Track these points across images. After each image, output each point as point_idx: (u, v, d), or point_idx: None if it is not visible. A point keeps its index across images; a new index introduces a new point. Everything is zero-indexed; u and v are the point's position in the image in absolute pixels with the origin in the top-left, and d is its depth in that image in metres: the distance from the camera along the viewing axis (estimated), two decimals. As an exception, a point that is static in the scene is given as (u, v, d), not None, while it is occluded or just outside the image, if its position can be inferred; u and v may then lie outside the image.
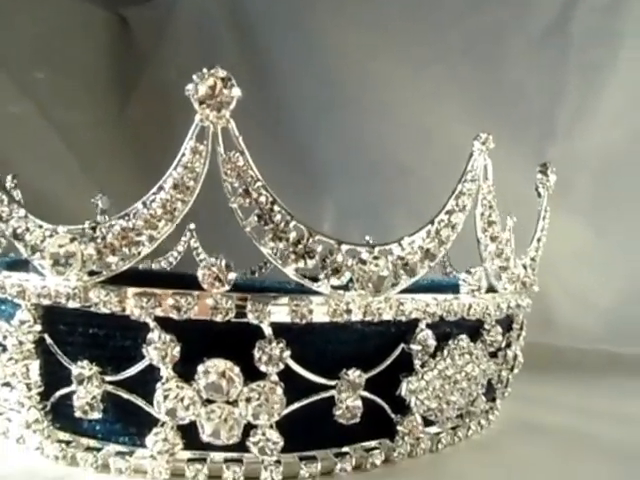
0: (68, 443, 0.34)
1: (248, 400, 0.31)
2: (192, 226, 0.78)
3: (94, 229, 0.31)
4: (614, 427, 0.46)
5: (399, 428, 0.35)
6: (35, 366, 0.33)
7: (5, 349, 0.35)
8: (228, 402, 0.31)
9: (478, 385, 0.40)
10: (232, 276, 0.29)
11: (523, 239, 0.48)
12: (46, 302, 0.32)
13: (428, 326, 0.34)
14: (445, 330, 0.36)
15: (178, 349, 0.30)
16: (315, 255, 0.30)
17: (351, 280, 0.31)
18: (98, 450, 0.33)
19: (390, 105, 0.99)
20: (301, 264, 0.30)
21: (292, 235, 0.30)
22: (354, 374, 0.32)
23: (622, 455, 0.39)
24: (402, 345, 0.34)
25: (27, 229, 0.33)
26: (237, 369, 0.30)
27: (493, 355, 0.41)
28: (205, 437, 0.31)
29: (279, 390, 0.31)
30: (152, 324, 0.30)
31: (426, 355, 0.35)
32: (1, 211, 0.33)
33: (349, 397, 0.33)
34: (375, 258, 0.31)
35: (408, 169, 0.97)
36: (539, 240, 0.46)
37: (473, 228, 0.37)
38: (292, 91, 1.06)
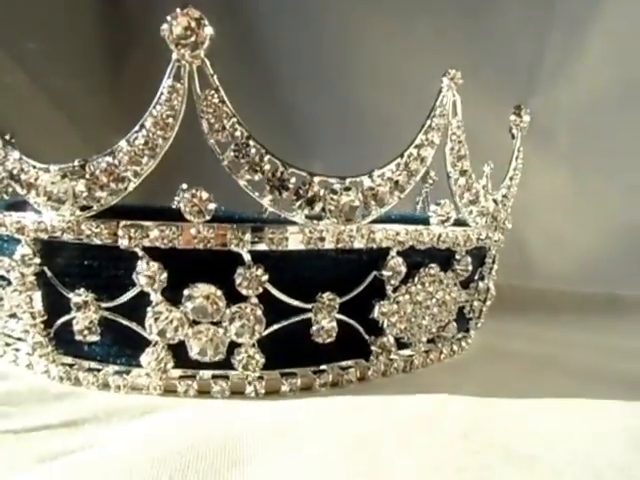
0: (71, 366, 0.37)
1: (231, 321, 0.34)
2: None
3: (83, 167, 0.33)
4: (575, 353, 0.49)
5: (373, 348, 0.38)
6: (37, 296, 0.36)
7: (9, 283, 0.38)
8: (213, 323, 0.34)
9: (449, 312, 0.43)
10: (211, 206, 0.32)
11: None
12: (43, 236, 0.34)
13: (399, 254, 0.37)
14: (416, 259, 0.39)
15: (165, 275, 0.33)
16: (289, 186, 0.33)
17: (323, 210, 0.34)
18: (98, 371, 0.36)
19: (378, 61, 0.99)
20: (276, 195, 0.33)
21: (267, 168, 0.32)
22: (328, 297, 0.35)
23: (579, 375, 0.42)
24: (374, 272, 0.37)
25: (22, 169, 0.35)
26: (220, 292, 0.33)
27: (465, 286, 0.44)
28: (193, 355, 0.34)
29: (259, 311, 0.34)
30: (140, 253, 0.33)
31: (397, 281, 0.37)
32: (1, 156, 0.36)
33: (324, 318, 0.36)
34: (346, 189, 0.34)
35: (396, 126, 0.98)
36: (511, 178, 0.48)
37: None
38: (278, 50, 1.06)
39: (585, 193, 0.82)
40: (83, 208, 0.33)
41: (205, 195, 0.32)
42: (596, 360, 0.46)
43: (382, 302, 0.37)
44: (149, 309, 0.34)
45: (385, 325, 0.38)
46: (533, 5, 0.91)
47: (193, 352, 0.34)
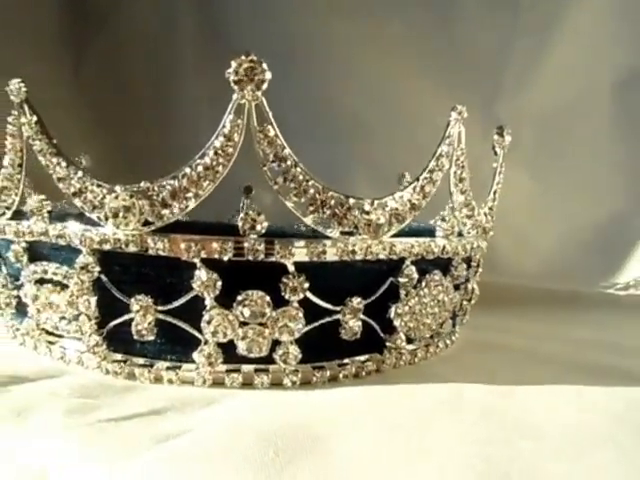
0: (125, 362, 0.41)
1: (275, 322, 0.39)
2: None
3: (148, 188, 0.37)
4: (547, 345, 0.57)
5: (387, 344, 0.45)
6: (94, 301, 0.40)
7: (64, 288, 0.42)
8: (260, 324, 0.39)
9: (447, 311, 0.49)
10: (265, 224, 0.37)
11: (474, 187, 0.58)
12: (107, 248, 0.39)
13: (412, 263, 0.43)
14: (424, 267, 0.45)
15: (220, 283, 0.38)
16: (328, 207, 0.38)
17: (355, 227, 0.39)
18: (151, 366, 0.41)
19: (348, 62, 1.04)
20: (317, 215, 0.38)
21: (311, 191, 0.38)
22: (356, 301, 0.41)
23: (557, 364, 0.50)
24: (391, 278, 0.43)
25: (86, 188, 0.39)
26: (268, 298, 0.38)
27: (457, 288, 0.51)
28: (241, 352, 0.39)
29: (300, 314, 0.39)
30: (199, 264, 0.38)
31: (410, 286, 0.44)
32: (62, 173, 0.39)
33: (352, 319, 0.41)
34: (375, 209, 0.40)
35: (367, 127, 1.03)
36: (495, 192, 0.55)
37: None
38: (251, 49, 1.10)
39: (548, 195, 0.91)
40: (145, 223, 0.38)
41: (259, 213, 0.37)
42: (568, 351, 0.54)
43: (397, 304, 0.44)
44: (204, 312, 0.38)
45: (398, 324, 0.44)
46: (498, 13, 0.98)
47: (241, 349, 0.39)
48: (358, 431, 0.32)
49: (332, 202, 0.38)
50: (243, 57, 0.35)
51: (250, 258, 0.38)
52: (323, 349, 0.42)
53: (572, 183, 0.92)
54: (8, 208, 0.45)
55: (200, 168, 0.37)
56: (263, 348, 0.39)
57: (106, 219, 0.39)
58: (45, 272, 0.43)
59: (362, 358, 0.44)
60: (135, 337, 0.40)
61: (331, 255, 0.39)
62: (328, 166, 1.04)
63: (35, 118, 0.41)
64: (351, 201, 0.39)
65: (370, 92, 1.02)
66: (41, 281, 0.43)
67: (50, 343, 0.45)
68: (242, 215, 0.37)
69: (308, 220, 0.39)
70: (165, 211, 0.37)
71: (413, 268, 0.43)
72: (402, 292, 0.44)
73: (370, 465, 0.27)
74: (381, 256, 0.41)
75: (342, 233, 0.39)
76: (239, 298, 0.38)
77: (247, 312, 0.38)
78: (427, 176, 0.43)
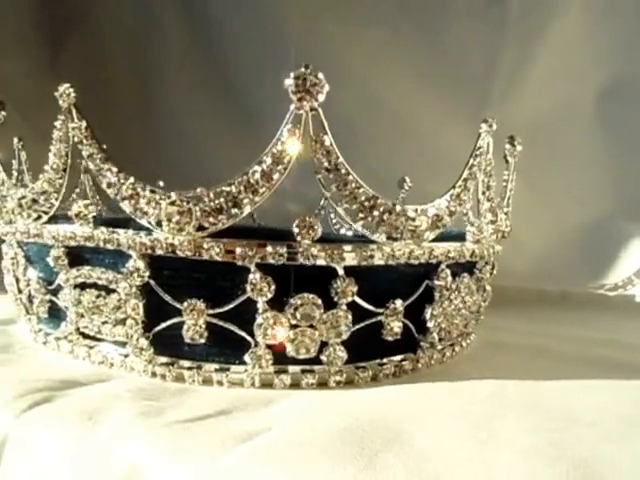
0: (172, 364, 0.42)
1: (324, 324, 0.40)
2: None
3: (204, 194, 0.38)
4: (559, 343, 0.60)
5: (422, 344, 0.46)
6: (142, 305, 0.41)
7: (110, 292, 0.42)
8: (309, 326, 0.40)
9: (471, 312, 0.52)
10: (319, 231, 0.38)
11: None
12: (160, 252, 0.39)
13: (447, 266, 0.45)
14: (454, 270, 0.47)
15: (274, 287, 0.39)
16: (376, 213, 0.40)
17: (400, 232, 0.41)
18: (200, 368, 0.41)
19: (334, 65, 1.06)
20: (366, 221, 0.40)
21: (362, 199, 0.39)
22: (398, 303, 0.43)
23: (572, 360, 0.52)
24: (427, 281, 0.45)
25: (138, 194, 0.39)
26: (319, 300, 0.40)
27: (477, 289, 0.53)
28: (290, 353, 0.40)
29: (349, 316, 0.40)
30: (253, 268, 0.39)
31: (444, 289, 0.46)
32: (112, 178, 0.40)
33: (393, 321, 0.43)
34: (419, 215, 0.41)
35: (359, 131, 1.05)
36: (509, 198, 0.58)
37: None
38: (242, 55, 1.10)
39: (536, 198, 0.94)
40: (199, 228, 0.39)
41: (315, 220, 0.38)
42: (577, 348, 0.57)
43: (432, 306, 0.46)
44: (257, 315, 0.39)
45: (432, 325, 0.46)
46: (487, 23, 1.02)
47: (290, 351, 0.40)
48: (432, 423, 0.33)
49: (381, 209, 0.40)
50: (302, 69, 0.36)
51: (303, 262, 0.39)
52: (365, 350, 0.44)
53: (559, 187, 0.96)
54: (46, 212, 0.45)
55: (257, 175, 0.38)
56: (312, 350, 0.41)
57: (158, 224, 0.39)
58: (88, 276, 0.43)
59: (398, 358, 0.46)
60: (186, 340, 0.40)
61: (378, 259, 0.41)
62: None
63: (84, 123, 0.41)
64: (397, 208, 0.41)
65: (363, 97, 1.04)
66: (83, 285, 0.43)
67: (89, 347, 0.45)
68: (298, 220, 0.38)
69: (357, 226, 0.40)
70: (221, 217, 0.38)
71: (448, 271, 0.45)
72: (437, 294, 0.46)
73: (453, 453, 0.29)
74: (422, 260, 0.43)
75: (387, 238, 0.41)
76: (291, 301, 0.39)
77: (299, 315, 0.40)
78: (461, 184, 0.45)
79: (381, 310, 0.43)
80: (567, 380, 0.45)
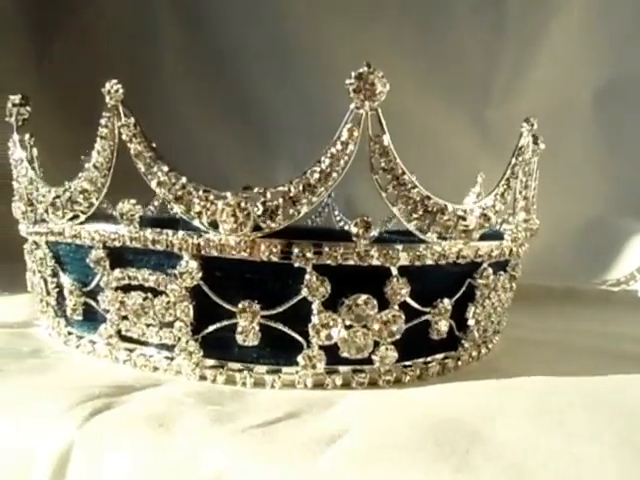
0: (222, 367, 0.41)
1: (378, 324, 0.40)
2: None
3: (261, 194, 0.38)
4: (577, 338, 0.61)
5: (463, 342, 0.47)
6: (192, 307, 0.40)
7: (158, 294, 0.41)
8: (363, 326, 0.40)
9: (505, 309, 0.52)
10: (375, 233, 0.38)
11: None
12: (213, 254, 0.38)
13: (489, 265, 0.46)
14: (494, 268, 0.48)
15: (330, 287, 0.39)
16: (430, 214, 0.40)
17: (451, 232, 0.41)
18: (251, 370, 0.41)
19: (332, 62, 1.06)
20: (419, 221, 0.40)
21: (417, 199, 0.39)
22: (445, 302, 0.43)
23: (597, 355, 0.54)
24: (469, 280, 0.46)
25: (190, 193, 0.39)
26: (375, 301, 0.40)
27: (510, 287, 0.54)
28: (343, 354, 0.40)
29: (402, 316, 0.41)
30: (309, 269, 0.38)
31: (486, 287, 0.46)
32: (163, 178, 0.39)
33: (440, 320, 0.43)
34: (468, 215, 0.42)
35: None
36: (534, 197, 0.59)
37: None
38: (241, 51, 1.09)
39: (538, 197, 0.96)
40: (255, 228, 0.38)
41: (371, 220, 0.38)
42: (597, 342, 0.58)
43: (474, 304, 0.46)
44: (312, 316, 0.39)
45: (473, 323, 0.47)
46: (485, 25, 1.03)
47: (345, 351, 0.40)
48: (507, 419, 0.34)
49: (434, 209, 0.40)
50: (364, 68, 0.36)
51: (361, 263, 0.39)
52: (412, 349, 0.44)
53: (559, 185, 0.98)
54: (84, 212, 0.44)
55: (316, 175, 0.37)
56: (365, 350, 0.41)
57: (211, 225, 0.39)
58: (132, 278, 0.42)
59: (441, 356, 0.46)
60: (238, 342, 0.40)
61: (429, 259, 0.41)
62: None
63: (133, 120, 0.40)
64: (449, 208, 0.41)
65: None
66: (126, 287, 0.42)
67: (130, 350, 0.44)
68: (357, 220, 0.38)
69: (410, 226, 0.40)
70: (278, 217, 0.38)
71: (490, 270, 0.46)
72: (478, 293, 0.46)
73: (540, 448, 0.30)
74: (469, 259, 0.43)
75: (438, 238, 0.41)
76: (347, 302, 0.39)
77: (353, 315, 0.39)
78: (505, 184, 0.45)
79: (428, 309, 0.43)
80: (607, 375, 0.45)
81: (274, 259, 0.38)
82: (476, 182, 0.76)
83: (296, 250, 0.38)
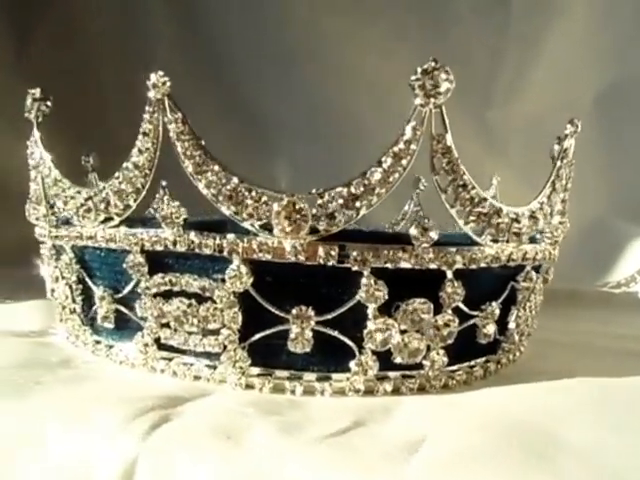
0: (269, 375, 0.40)
1: (432, 329, 0.39)
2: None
3: (319, 195, 0.36)
4: (595, 339, 0.62)
5: (504, 345, 0.46)
6: (240, 313, 0.38)
7: (203, 300, 0.39)
8: (417, 331, 0.39)
9: (537, 312, 0.52)
10: (435, 235, 0.37)
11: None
12: (267, 257, 0.37)
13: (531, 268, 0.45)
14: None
15: (386, 292, 0.38)
16: (486, 216, 0.39)
17: (504, 234, 0.41)
18: (299, 378, 0.39)
19: (336, 59, 1.05)
20: (476, 224, 0.39)
21: (474, 201, 0.39)
22: (494, 305, 0.43)
23: (620, 355, 0.54)
24: (512, 283, 0.45)
25: (243, 194, 0.37)
26: (430, 305, 0.39)
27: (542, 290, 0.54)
28: (398, 359, 0.39)
29: (456, 320, 0.40)
30: (366, 273, 0.37)
31: (528, 290, 0.46)
32: (213, 177, 0.37)
33: (488, 323, 0.43)
34: (522, 217, 0.41)
35: (360, 126, 1.04)
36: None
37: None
38: (242, 50, 1.07)
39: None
40: (311, 231, 0.37)
41: (432, 224, 0.37)
42: (614, 343, 0.59)
43: (517, 307, 0.46)
44: (367, 322, 0.38)
45: (514, 326, 0.46)
46: (488, 26, 1.03)
47: (396, 357, 0.39)
48: (577, 420, 0.33)
49: (491, 211, 0.39)
50: (431, 64, 0.35)
51: (418, 267, 0.38)
52: (459, 353, 0.43)
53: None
54: (119, 215, 0.41)
55: (377, 175, 0.36)
56: (419, 355, 0.40)
57: (264, 227, 0.37)
58: (174, 284, 0.40)
59: (482, 360, 0.46)
60: (290, 349, 0.38)
61: (482, 262, 0.40)
62: (320, 161, 1.04)
63: (181, 115, 0.38)
64: (504, 210, 0.40)
65: (367, 94, 1.03)
66: (167, 294, 0.40)
67: (168, 359, 0.42)
68: (417, 223, 0.37)
69: (467, 228, 0.39)
70: (337, 219, 0.36)
71: (534, 273, 0.45)
72: (520, 296, 0.46)
73: (624, 449, 0.29)
74: (517, 262, 0.43)
75: (491, 240, 0.40)
76: (403, 306, 0.38)
77: (409, 320, 0.38)
78: (550, 186, 0.45)
79: (476, 313, 0.42)
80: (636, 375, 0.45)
81: (332, 263, 0.37)
82: (490, 184, 0.76)
83: (354, 253, 0.37)
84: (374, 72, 1.04)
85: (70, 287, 0.46)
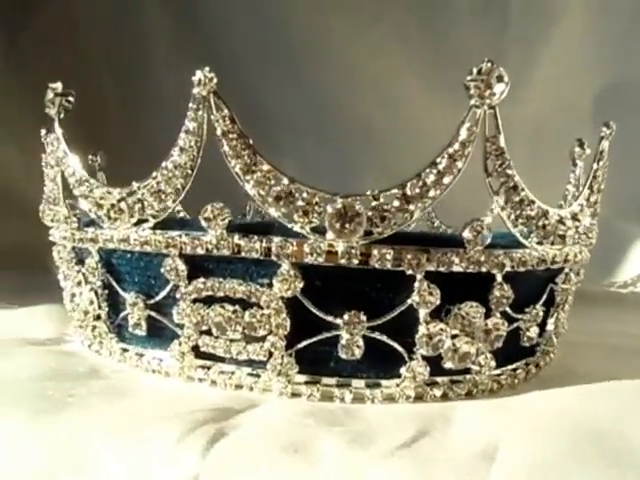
0: (316, 382, 0.38)
1: (481, 333, 0.38)
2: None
3: (375, 197, 0.35)
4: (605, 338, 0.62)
5: (543, 347, 0.46)
6: (289, 319, 0.37)
7: (248, 306, 0.37)
8: (467, 335, 0.38)
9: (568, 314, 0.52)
10: (488, 238, 0.37)
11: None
12: (319, 261, 0.35)
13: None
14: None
15: (440, 296, 0.37)
16: (535, 219, 0.39)
17: (545, 237, 0.40)
18: (348, 385, 0.38)
19: (338, 61, 1.04)
20: (524, 226, 0.39)
21: (524, 203, 0.38)
22: (538, 308, 0.42)
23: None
24: (551, 285, 0.45)
25: (293, 194, 0.35)
26: (482, 309, 0.38)
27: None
28: (449, 364, 0.38)
29: (506, 324, 0.39)
30: (419, 277, 0.36)
31: (565, 292, 0.45)
32: (261, 177, 0.36)
33: (532, 326, 0.42)
34: (567, 219, 0.41)
35: (369, 128, 1.03)
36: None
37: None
38: (247, 51, 1.05)
39: (539, 198, 0.97)
40: (365, 234, 0.36)
41: (485, 225, 0.36)
42: (627, 342, 0.59)
43: (556, 309, 0.45)
44: (419, 326, 0.37)
45: (552, 328, 0.46)
46: (488, 27, 1.03)
47: (447, 362, 0.38)
48: (630, 419, 0.33)
49: (539, 213, 0.39)
50: (486, 64, 0.35)
51: (469, 269, 0.37)
52: (504, 357, 0.42)
53: (559, 189, 0.99)
54: (155, 216, 0.39)
55: (431, 177, 0.35)
56: (469, 360, 0.39)
57: (314, 230, 0.36)
58: (217, 289, 0.38)
59: (522, 362, 0.45)
60: (341, 356, 0.37)
61: (529, 264, 0.40)
62: (325, 159, 1.03)
63: (228, 113, 0.36)
64: (550, 212, 0.40)
65: (368, 93, 1.02)
66: (208, 299, 0.39)
67: (207, 368, 0.40)
68: (471, 226, 0.36)
69: (515, 230, 0.39)
70: (392, 221, 0.35)
71: (572, 275, 0.45)
72: (558, 298, 0.45)
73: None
74: (560, 264, 0.42)
75: (537, 243, 0.40)
76: (455, 310, 0.37)
77: (460, 324, 0.38)
78: (589, 188, 0.45)
79: (520, 316, 0.42)
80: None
81: (387, 267, 0.35)
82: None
83: (409, 257, 0.36)
84: (378, 72, 1.03)
85: (96, 292, 0.44)
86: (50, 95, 0.45)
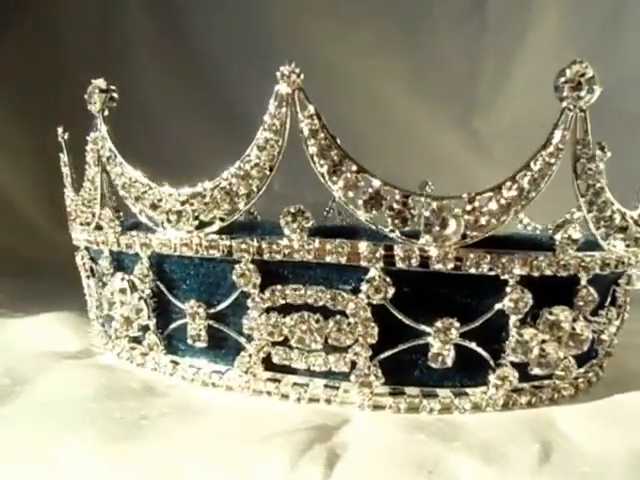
0: (403, 393, 0.36)
1: (568, 337, 0.37)
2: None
3: (471, 200, 0.34)
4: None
5: (607, 349, 0.45)
6: (377, 327, 0.35)
7: (330, 315, 0.35)
8: (556, 340, 0.37)
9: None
10: (578, 236, 0.36)
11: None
12: (413, 266, 0.34)
13: (627, 272, 0.45)
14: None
15: (531, 302, 0.35)
16: (617, 221, 0.38)
17: (631, 240, 0.39)
18: (435, 396, 0.36)
19: (318, 62, 1.02)
20: (606, 229, 0.38)
21: (606, 205, 0.37)
22: (611, 311, 0.42)
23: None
24: (614, 287, 0.44)
25: (383, 197, 0.33)
26: (571, 314, 0.37)
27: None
28: (536, 370, 0.37)
29: (590, 328, 0.38)
30: (512, 282, 0.35)
31: (625, 293, 0.45)
32: (353, 181, 0.33)
33: (605, 329, 0.42)
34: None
35: (345, 129, 1.02)
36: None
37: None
38: (225, 55, 1.03)
39: (542, 202, 0.98)
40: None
41: (575, 227, 0.35)
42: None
43: (620, 311, 0.45)
44: (510, 332, 0.36)
45: (615, 330, 0.45)
46: (466, 33, 1.05)
47: (534, 368, 0.37)
48: None
49: (619, 216, 0.38)
50: (577, 65, 0.34)
51: (560, 273, 0.36)
52: (579, 360, 0.41)
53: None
54: (222, 219, 0.37)
55: (527, 179, 0.34)
56: (553, 364, 0.38)
57: (407, 235, 0.34)
58: (295, 297, 0.36)
59: (589, 364, 0.44)
60: (431, 364, 0.35)
61: (611, 266, 0.39)
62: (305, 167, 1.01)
63: (314, 110, 0.34)
64: (628, 214, 0.39)
65: (350, 97, 1.01)
66: (283, 308, 0.36)
67: (276, 381, 0.37)
68: (564, 230, 0.35)
69: (597, 233, 0.38)
70: (490, 224, 0.34)
71: (634, 276, 0.45)
72: (621, 299, 0.45)
73: None
74: (627, 266, 0.42)
75: (612, 245, 0.39)
76: (545, 315, 0.36)
77: (549, 329, 0.36)
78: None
79: (595, 318, 0.41)
80: None
81: (483, 271, 0.34)
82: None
83: (503, 260, 0.34)
84: (359, 75, 1.02)
85: (145, 301, 0.41)
86: (93, 92, 0.41)
